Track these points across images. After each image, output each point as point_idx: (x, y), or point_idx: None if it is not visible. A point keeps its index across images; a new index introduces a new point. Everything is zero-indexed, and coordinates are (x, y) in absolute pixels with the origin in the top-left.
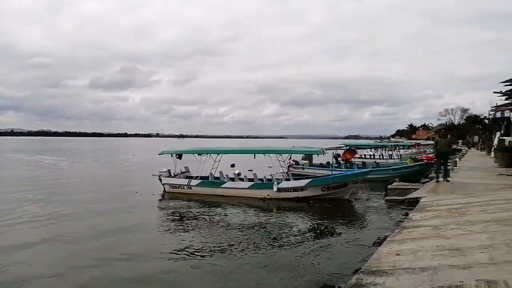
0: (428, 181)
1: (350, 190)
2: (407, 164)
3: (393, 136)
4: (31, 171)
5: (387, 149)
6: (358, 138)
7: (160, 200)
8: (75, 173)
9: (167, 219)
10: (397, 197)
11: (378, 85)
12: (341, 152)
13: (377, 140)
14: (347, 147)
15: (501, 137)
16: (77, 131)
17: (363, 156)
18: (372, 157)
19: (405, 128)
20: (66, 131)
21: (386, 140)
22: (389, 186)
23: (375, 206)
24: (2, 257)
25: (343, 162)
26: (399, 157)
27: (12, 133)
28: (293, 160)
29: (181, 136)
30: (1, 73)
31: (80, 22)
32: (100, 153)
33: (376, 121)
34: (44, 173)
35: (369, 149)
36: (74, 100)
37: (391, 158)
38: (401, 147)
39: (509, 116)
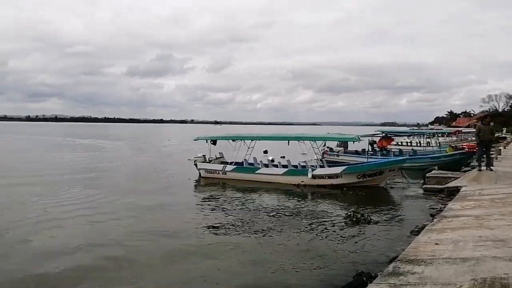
0: (470, 170)
1: (386, 178)
2: (447, 152)
3: (431, 123)
4: (77, 155)
5: (425, 136)
6: (394, 125)
7: (195, 184)
8: (116, 158)
9: (203, 202)
10: (436, 186)
11: (415, 70)
12: (376, 139)
13: (414, 128)
14: (383, 134)
15: None
16: (115, 117)
17: (399, 144)
18: (409, 144)
19: (445, 115)
20: (105, 117)
21: (425, 128)
22: (428, 175)
23: (412, 195)
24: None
25: (379, 150)
26: (438, 145)
27: (56, 119)
28: (327, 147)
29: (218, 122)
30: (45, 62)
31: (117, 11)
32: (138, 139)
33: (413, 108)
34: (87, 158)
35: (406, 137)
36: (112, 87)
37: (429, 146)
38: (440, 135)
39: None
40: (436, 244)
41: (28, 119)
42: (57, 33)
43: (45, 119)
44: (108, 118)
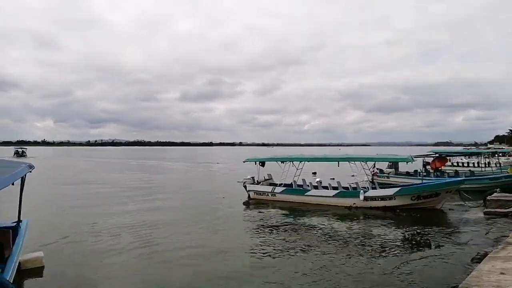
0: None
1: (443, 200)
2: (508, 173)
3: (491, 142)
4: (147, 175)
5: (484, 156)
6: (449, 145)
7: (245, 205)
8: (168, 180)
9: (253, 224)
10: (499, 210)
11: (472, 87)
12: (430, 160)
13: (472, 147)
14: (437, 155)
15: None
16: (167, 141)
17: (455, 164)
18: (465, 165)
19: (506, 134)
20: (157, 141)
21: (484, 147)
22: (489, 197)
23: (472, 218)
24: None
25: (432, 171)
26: (499, 165)
27: (113, 143)
28: (377, 169)
29: (266, 144)
30: (107, 90)
31: (172, 40)
32: (189, 162)
33: (470, 126)
34: (143, 179)
35: (462, 157)
36: (165, 112)
37: (488, 166)
38: (500, 154)
39: None
40: (502, 273)
41: (88, 143)
42: (119, 63)
43: (103, 144)
44: (160, 141)
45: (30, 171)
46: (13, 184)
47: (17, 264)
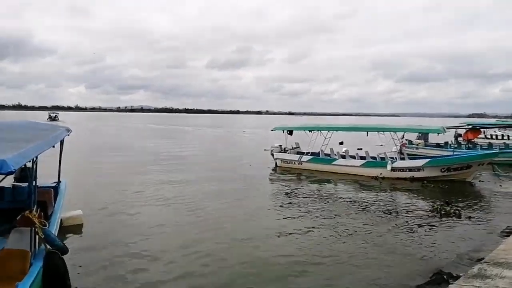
0: None
1: (474, 172)
2: None
3: None
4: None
5: None
6: (483, 117)
7: (272, 173)
8: (196, 146)
9: (279, 193)
10: None
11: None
12: (462, 131)
13: (508, 119)
14: (470, 126)
15: None
16: (195, 108)
17: (488, 137)
18: (500, 137)
19: None
20: (185, 108)
21: None
22: None
23: (504, 192)
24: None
25: (465, 143)
26: None
27: (142, 110)
28: (406, 139)
29: (293, 113)
30: (136, 57)
31: (202, 7)
32: (218, 129)
33: (508, 98)
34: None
35: (497, 129)
36: (193, 79)
37: None
38: None
39: None
40: None
41: (119, 110)
42: (150, 30)
43: (132, 110)
44: (188, 109)
45: (68, 135)
46: (53, 146)
47: (59, 221)
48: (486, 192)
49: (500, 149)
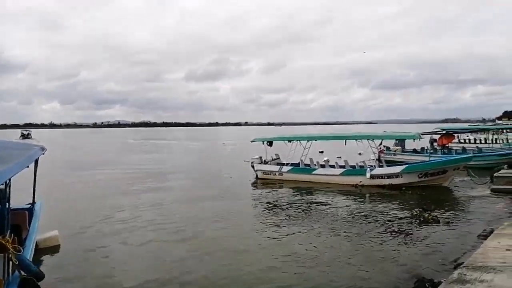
0: None
1: (450, 177)
2: None
3: (499, 118)
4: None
5: (492, 132)
6: (456, 122)
7: (253, 185)
8: (176, 160)
9: (261, 205)
10: (506, 186)
11: (482, 62)
12: (437, 137)
13: (479, 124)
14: (444, 132)
15: None
16: (173, 122)
17: (462, 141)
18: (473, 142)
19: None
20: (163, 122)
21: (491, 123)
22: (496, 174)
23: (479, 196)
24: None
25: (440, 148)
26: (506, 141)
27: (119, 124)
28: (383, 146)
29: (272, 124)
30: (112, 71)
31: (179, 17)
32: (197, 142)
33: (478, 102)
34: (152, 160)
35: (469, 134)
36: (170, 92)
37: (496, 143)
38: (508, 130)
39: None
40: (508, 250)
41: (95, 125)
42: (125, 43)
43: (109, 125)
44: (166, 122)
45: (43, 153)
46: (27, 167)
47: (34, 243)
48: (462, 196)
49: (473, 153)
